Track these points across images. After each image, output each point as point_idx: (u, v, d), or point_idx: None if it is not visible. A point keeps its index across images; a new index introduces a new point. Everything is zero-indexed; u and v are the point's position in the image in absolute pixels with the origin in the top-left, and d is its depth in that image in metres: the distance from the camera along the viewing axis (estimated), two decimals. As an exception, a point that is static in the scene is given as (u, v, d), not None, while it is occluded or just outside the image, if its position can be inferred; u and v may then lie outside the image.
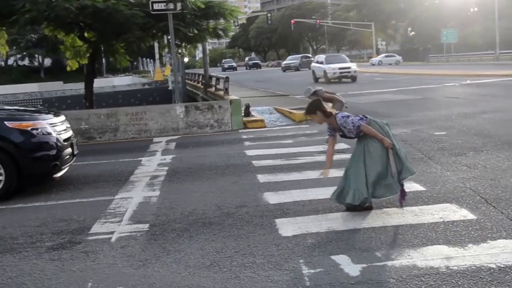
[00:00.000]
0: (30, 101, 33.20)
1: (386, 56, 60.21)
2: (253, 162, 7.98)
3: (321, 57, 32.07)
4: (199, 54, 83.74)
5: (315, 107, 5.04)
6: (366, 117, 5.07)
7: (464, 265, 3.58)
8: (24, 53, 54.56)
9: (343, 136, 5.12)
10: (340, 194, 5.04)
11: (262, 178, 6.81)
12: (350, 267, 3.67)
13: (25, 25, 13.49)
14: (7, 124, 6.38)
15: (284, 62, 57.99)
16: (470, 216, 4.70)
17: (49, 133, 6.62)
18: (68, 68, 18.29)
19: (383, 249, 3.99)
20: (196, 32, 14.24)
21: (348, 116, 5.01)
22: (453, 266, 3.57)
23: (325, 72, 28.64)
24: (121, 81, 44.33)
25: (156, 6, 12.64)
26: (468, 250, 3.87)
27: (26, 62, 57.62)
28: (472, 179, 6.04)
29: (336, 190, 5.11)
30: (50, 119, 6.86)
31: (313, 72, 31.08)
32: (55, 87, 41.64)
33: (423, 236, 4.23)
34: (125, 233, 4.82)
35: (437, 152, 7.83)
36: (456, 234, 4.24)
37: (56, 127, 6.84)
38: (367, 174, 4.90)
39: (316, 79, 30.24)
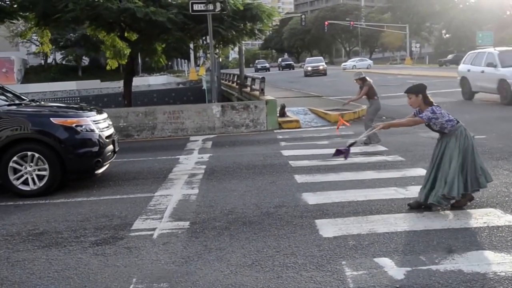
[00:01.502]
0: (68, 98, 34.08)
1: (360, 61, 60.04)
2: (290, 162, 7.98)
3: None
4: (232, 54, 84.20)
5: (419, 90, 5.12)
6: (458, 122, 5.07)
7: (512, 272, 3.49)
8: (63, 52, 56.00)
9: (428, 126, 5.12)
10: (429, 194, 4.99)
11: (299, 178, 6.80)
12: (394, 270, 3.62)
13: (68, 24, 13.86)
14: (52, 121, 6.58)
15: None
16: (516, 222, 4.58)
17: (92, 130, 6.79)
18: (107, 67, 18.71)
19: (426, 253, 3.92)
20: (234, 33, 14.32)
21: (440, 112, 5.01)
22: (500, 272, 3.49)
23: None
24: (156, 80, 44.97)
25: (195, 7, 12.77)
26: (516, 257, 3.77)
27: (63, 60, 59.12)
28: (517, 184, 5.87)
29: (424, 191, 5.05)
30: (93, 116, 7.03)
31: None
32: (93, 86, 42.58)
33: (467, 241, 4.14)
34: (166, 230, 4.90)
35: (477, 156, 7.64)
36: (502, 240, 4.13)
37: (99, 124, 7.01)
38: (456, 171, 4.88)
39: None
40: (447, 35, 68.36)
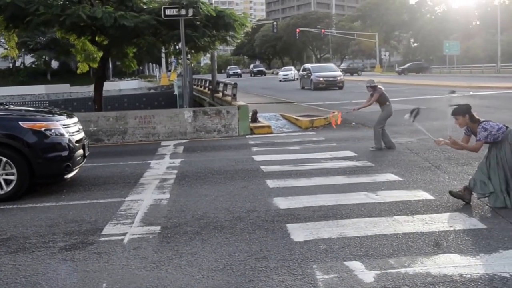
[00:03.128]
0: (37, 102, 33.35)
1: (286, 70, 61.12)
2: (262, 167, 8.02)
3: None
4: (204, 60, 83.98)
5: (465, 111, 5.35)
6: (507, 127, 5.29)
7: (477, 274, 3.61)
8: (32, 55, 54.70)
9: (486, 143, 5.34)
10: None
11: (271, 183, 6.85)
12: (364, 274, 3.69)
13: (38, 27, 13.61)
14: (21, 124, 6.43)
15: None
16: (480, 225, 4.73)
17: (62, 134, 6.66)
18: (78, 71, 18.41)
19: (396, 256, 4.01)
20: (207, 40, 14.32)
21: (489, 126, 5.26)
22: (466, 275, 3.60)
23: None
24: (127, 85, 44.51)
25: (168, 12, 12.73)
26: (480, 259, 3.89)
27: (33, 64, 57.71)
28: (481, 189, 6.06)
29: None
30: (63, 120, 6.90)
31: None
32: (62, 90, 41.84)
33: (435, 244, 4.25)
34: (137, 235, 4.85)
35: (443, 162, 7.87)
36: (467, 243, 4.27)
37: (69, 128, 6.88)
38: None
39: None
40: (415, 44, 70.16)
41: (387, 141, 9.40)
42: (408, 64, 58.88)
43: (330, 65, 35.56)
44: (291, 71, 51.80)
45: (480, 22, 58.53)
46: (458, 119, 5.40)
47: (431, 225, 4.78)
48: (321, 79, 29.47)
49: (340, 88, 29.52)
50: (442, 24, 61.50)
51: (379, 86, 9.64)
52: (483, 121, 5.33)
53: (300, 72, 35.37)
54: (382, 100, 9.53)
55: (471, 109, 5.37)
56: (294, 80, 44.46)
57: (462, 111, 5.37)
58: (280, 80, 47.88)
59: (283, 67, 61.28)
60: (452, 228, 4.66)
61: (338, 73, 31.10)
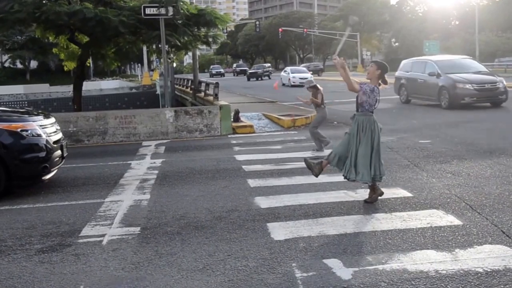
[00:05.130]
0: (15, 103, 32.79)
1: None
2: (243, 167, 8.02)
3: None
4: (187, 59, 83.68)
5: (383, 68, 5.64)
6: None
7: (453, 270, 3.67)
8: (10, 55, 53.79)
9: (360, 97, 5.61)
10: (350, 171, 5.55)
11: (252, 182, 6.86)
12: (342, 271, 3.72)
13: (13, 25, 13.39)
14: (-4, 125, 6.32)
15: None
16: (456, 222, 4.81)
17: (39, 135, 6.57)
18: (65, 69, 18.23)
19: (373, 253, 4.05)
20: (187, 39, 14.27)
21: (376, 95, 5.62)
22: (442, 270, 3.66)
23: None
24: (108, 85, 44.05)
25: (148, 11, 12.64)
26: (456, 255, 3.96)
27: (11, 63, 56.72)
28: (457, 186, 6.17)
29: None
30: (40, 120, 6.81)
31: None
32: (41, 90, 41.21)
33: (412, 241, 4.31)
34: (116, 236, 4.81)
35: (422, 160, 7.97)
36: (444, 239, 4.33)
37: (46, 129, 6.79)
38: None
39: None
40: (396, 44, 70.87)
41: (317, 142, 9.36)
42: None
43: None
44: (306, 73, 35.41)
45: (459, 22, 59.50)
46: (372, 67, 5.67)
47: (408, 222, 4.84)
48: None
49: None
50: (423, 24, 62.28)
51: (318, 85, 9.62)
52: (378, 87, 5.63)
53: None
54: (320, 100, 9.44)
55: (387, 71, 5.66)
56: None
57: (381, 67, 5.63)
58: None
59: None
60: (429, 225, 4.72)
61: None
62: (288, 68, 40.15)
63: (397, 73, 18.41)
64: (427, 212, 5.14)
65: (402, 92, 17.97)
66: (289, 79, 35.45)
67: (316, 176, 5.89)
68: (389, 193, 5.91)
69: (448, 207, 5.31)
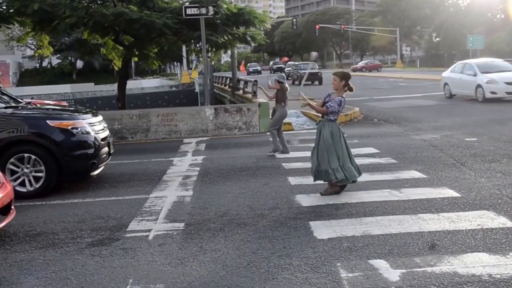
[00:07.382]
0: (69, 101, 33.90)
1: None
2: (283, 164, 8.02)
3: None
4: (224, 58, 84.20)
5: (346, 77, 5.95)
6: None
7: (508, 274, 3.53)
8: (58, 56, 55.69)
9: (328, 108, 5.87)
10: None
11: (293, 180, 6.85)
12: (389, 272, 3.66)
13: (65, 30, 13.87)
14: (48, 123, 6.58)
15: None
16: (509, 224, 4.64)
17: (88, 132, 6.80)
18: (115, 68, 18.71)
19: (421, 255, 3.96)
20: (226, 39, 14.38)
21: (342, 104, 5.93)
22: (496, 275, 3.52)
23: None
24: (149, 83, 44.89)
25: (189, 11, 12.80)
26: (510, 259, 3.81)
27: (59, 64, 58.62)
28: (508, 186, 5.95)
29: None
30: (88, 118, 7.05)
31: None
32: (87, 88, 42.50)
33: (462, 243, 4.19)
34: (162, 231, 4.91)
35: (469, 158, 7.73)
36: (496, 242, 4.18)
37: (95, 126, 7.02)
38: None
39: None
40: (437, 39, 68.84)
41: (282, 144, 9.11)
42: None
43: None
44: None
45: (504, 16, 57.19)
46: (335, 80, 5.90)
47: (457, 223, 4.71)
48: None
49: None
50: (465, 18, 60.14)
51: (286, 85, 9.33)
52: (343, 97, 5.90)
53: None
54: (280, 97, 9.13)
55: (350, 77, 5.96)
56: None
57: (343, 77, 5.91)
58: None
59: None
60: (479, 227, 4.58)
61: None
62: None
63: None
64: (477, 213, 4.99)
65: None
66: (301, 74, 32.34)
67: (338, 193, 5.99)
68: (435, 193, 5.78)
69: (499, 208, 5.13)
